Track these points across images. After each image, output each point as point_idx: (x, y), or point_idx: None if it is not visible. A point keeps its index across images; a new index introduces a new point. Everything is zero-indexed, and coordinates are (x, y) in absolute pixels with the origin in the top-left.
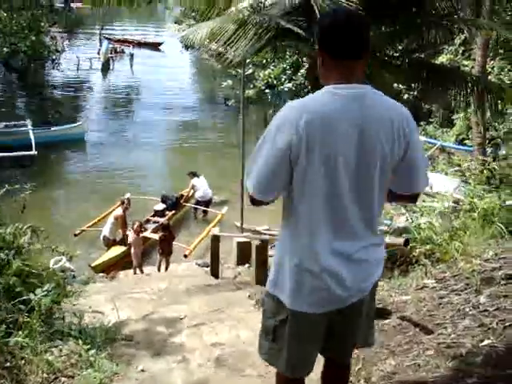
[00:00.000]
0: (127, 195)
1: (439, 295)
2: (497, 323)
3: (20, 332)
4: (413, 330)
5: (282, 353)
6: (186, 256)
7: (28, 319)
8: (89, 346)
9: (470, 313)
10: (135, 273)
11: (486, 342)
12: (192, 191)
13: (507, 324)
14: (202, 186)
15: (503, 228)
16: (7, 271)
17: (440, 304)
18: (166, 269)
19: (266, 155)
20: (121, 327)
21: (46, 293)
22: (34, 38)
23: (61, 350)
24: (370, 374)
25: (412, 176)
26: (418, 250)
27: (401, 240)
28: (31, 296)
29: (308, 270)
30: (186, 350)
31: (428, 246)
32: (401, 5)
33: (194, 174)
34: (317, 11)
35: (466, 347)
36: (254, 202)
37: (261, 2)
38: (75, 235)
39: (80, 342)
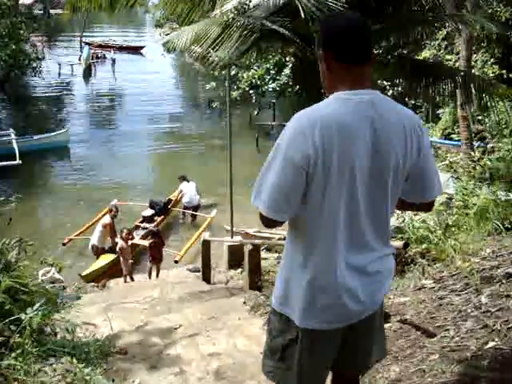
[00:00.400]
0: (114, 201)
1: (439, 296)
2: (500, 324)
3: (12, 353)
4: (414, 334)
5: (292, 372)
6: (176, 262)
7: (19, 339)
8: (83, 365)
9: (472, 314)
10: (126, 281)
11: (490, 344)
12: (180, 196)
13: (511, 325)
14: (188, 191)
15: (499, 225)
16: None
17: (440, 305)
18: (157, 275)
19: (279, 171)
20: (115, 340)
21: (36, 312)
22: (14, 47)
23: (55, 370)
24: (375, 382)
25: (424, 183)
26: (413, 250)
27: (400, 243)
28: (22, 316)
29: (322, 286)
30: (183, 361)
31: (424, 246)
32: (385, 2)
33: (183, 178)
34: (301, 11)
35: (470, 350)
36: (268, 222)
37: (245, 4)
38: (63, 244)
39: (74, 359)
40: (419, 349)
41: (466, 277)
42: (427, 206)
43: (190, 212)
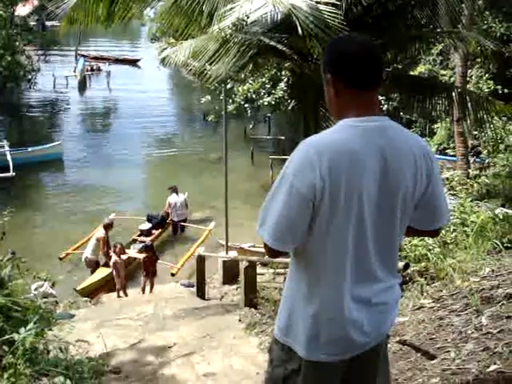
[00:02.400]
0: (112, 215)
1: (438, 316)
2: (502, 347)
3: (4, 373)
4: (414, 356)
5: None
6: (173, 274)
7: (12, 359)
8: None
9: (473, 335)
10: (119, 296)
11: (492, 367)
12: (169, 209)
13: None
14: (174, 207)
15: (498, 243)
16: None
17: (440, 326)
18: (151, 290)
19: (284, 201)
20: (108, 358)
21: (29, 332)
22: (9, 58)
23: None
24: None
25: (434, 211)
26: (412, 268)
27: (400, 264)
28: (15, 336)
29: (328, 320)
30: (178, 382)
31: (422, 264)
32: (384, 18)
33: (173, 190)
34: (299, 27)
35: (472, 373)
36: (272, 252)
37: (243, 21)
38: (60, 259)
39: (67, 380)
40: (419, 371)
41: (465, 297)
42: (434, 233)
43: (182, 224)
